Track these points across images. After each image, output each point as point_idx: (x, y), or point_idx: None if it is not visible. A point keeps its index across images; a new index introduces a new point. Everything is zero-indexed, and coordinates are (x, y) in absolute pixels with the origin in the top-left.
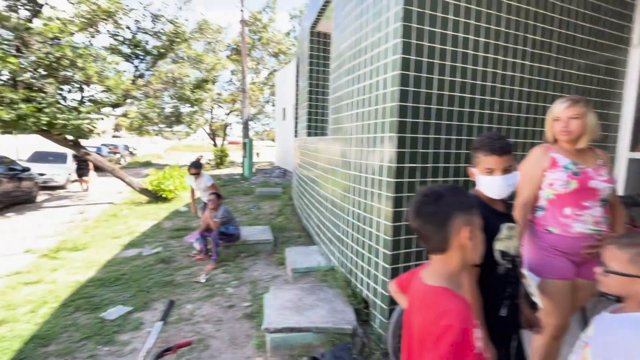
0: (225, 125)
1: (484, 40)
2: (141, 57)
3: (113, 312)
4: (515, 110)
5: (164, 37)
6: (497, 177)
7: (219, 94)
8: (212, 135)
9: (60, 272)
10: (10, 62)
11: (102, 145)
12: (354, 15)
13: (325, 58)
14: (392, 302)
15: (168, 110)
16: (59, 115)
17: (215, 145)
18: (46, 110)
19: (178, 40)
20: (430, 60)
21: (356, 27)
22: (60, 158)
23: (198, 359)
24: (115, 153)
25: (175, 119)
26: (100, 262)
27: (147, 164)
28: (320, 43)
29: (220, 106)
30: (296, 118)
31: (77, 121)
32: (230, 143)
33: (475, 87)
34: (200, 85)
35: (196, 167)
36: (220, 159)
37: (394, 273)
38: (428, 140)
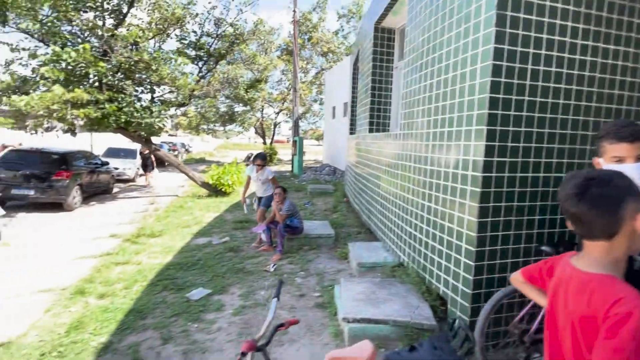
0: (275, 125)
1: (582, 26)
2: (205, 59)
3: (196, 293)
4: (615, 102)
5: (225, 40)
6: (627, 165)
7: (269, 94)
8: (262, 133)
9: (143, 255)
10: (99, 66)
11: (162, 142)
12: (434, 7)
13: (389, 54)
14: (475, 300)
15: (223, 109)
16: (135, 114)
17: (264, 143)
18: (125, 109)
19: (237, 41)
20: (524, 50)
21: (436, 19)
22: (130, 154)
23: (279, 342)
24: (173, 150)
25: (229, 117)
26: (175, 248)
27: (201, 161)
28: (384, 39)
29: (270, 105)
30: (352, 116)
31: (150, 119)
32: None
33: (571, 77)
34: (253, 85)
35: (262, 159)
36: (270, 157)
37: (479, 271)
38: (519, 134)
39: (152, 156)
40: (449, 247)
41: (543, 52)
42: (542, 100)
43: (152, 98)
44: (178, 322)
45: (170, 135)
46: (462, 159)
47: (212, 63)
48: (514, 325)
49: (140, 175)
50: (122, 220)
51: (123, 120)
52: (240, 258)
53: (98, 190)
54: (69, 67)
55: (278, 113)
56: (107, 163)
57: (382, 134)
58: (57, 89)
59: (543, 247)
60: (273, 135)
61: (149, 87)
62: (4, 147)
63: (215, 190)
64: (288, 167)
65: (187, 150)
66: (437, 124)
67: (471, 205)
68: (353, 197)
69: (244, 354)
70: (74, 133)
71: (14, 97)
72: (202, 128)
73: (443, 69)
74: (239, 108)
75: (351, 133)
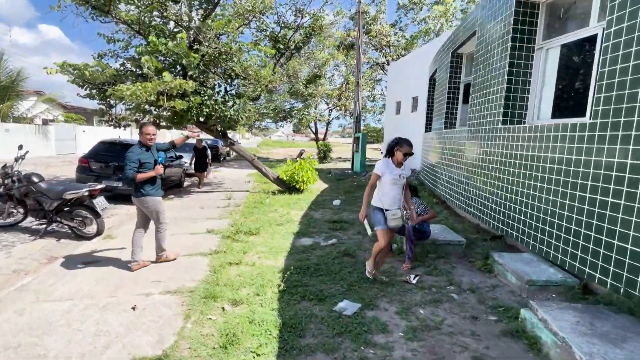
0: (328, 122)
1: None
2: (283, 51)
3: (347, 308)
4: None
5: (303, 31)
6: None
7: (329, 91)
8: (315, 130)
9: (252, 255)
10: (192, 57)
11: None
12: None
13: (530, 32)
14: None
15: (285, 105)
16: (216, 107)
17: (316, 140)
18: (207, 102)
19: (314, 33)
20: None
21: None
22: (191, 148)
23: None
24: (215, 149)
25: (287, 113)
26: (282, 248)
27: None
28: (526, 15)
29: (325, 102)
30: (429, 112)
31: (229, 113)
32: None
33: None
34: (312, 80)
35: (410, 146)
36: (324, 154)
37: None
38: None
39: (208, 151)
40: None
41: None
42: None
43: (226, 91)
44: (345, 344)
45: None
46: None
47: (288, 56)
48: None
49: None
50: (210, 215)
51: (205, 113)
52: (362, 264)
53: (172, 184)
54: (162, 58)
55: (332, 109)
56: (182, 156)
57: (553, 123)
58: (167, 76)
59: None
60: (326, 132)
61: (228, 79)
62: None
63: (289, 187)
64: (343, 165)
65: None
66: None
67: None
68: (457, 200)
69: None
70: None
71: (120, 85)
72: (257, 124)
73: None
74: (297, 104)
75: (427, 130)
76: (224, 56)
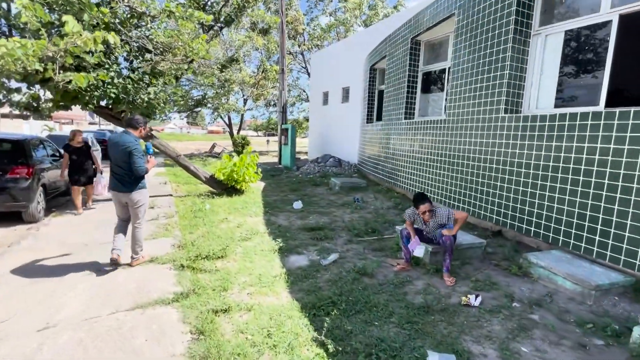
0: (243, 113)
1: None
2: (212, 24)
3: None
4: None
5: (233, 3)
6: None
7: (246, 78)
8: (229, 122)
9: (237, 292)
10: (102, 11)
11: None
12: None
13: (528, 16)
14: None
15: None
16: (128, 87)
17: (231, 133)
18: (116, 81)
19: (246, 5)
20: None
21: None
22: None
23: None
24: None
25: (199, 101)
26: (273, 275)
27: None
28: None
29: (241, 89)
30: (370, 103)
31: (144, 95)
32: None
33: None
34: (229, 63)
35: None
36: (242, 148)
37: None
38: None
39: (94, 149)
40: None
41: None
42: None
43: (132, 67)
44: None
45: (90, 123)
46: None
47: (216, 31)
48: None
49: None
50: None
51: (112, 94)
52: (395, 286)
53: (56, 192)
54: (55, 9)
55: (246, 99)
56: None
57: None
58: (70, 24)
59: None
60: (240, 124)
61: (143, 51)
62: None
63: (226, 188)
64: (266, 160)
65: (151, 138)
66: None
67: None
68: (435, 195)
69: None
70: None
71: None
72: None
73: None
74: (210, 91)
75: (368, 121)
76: (142, 19)
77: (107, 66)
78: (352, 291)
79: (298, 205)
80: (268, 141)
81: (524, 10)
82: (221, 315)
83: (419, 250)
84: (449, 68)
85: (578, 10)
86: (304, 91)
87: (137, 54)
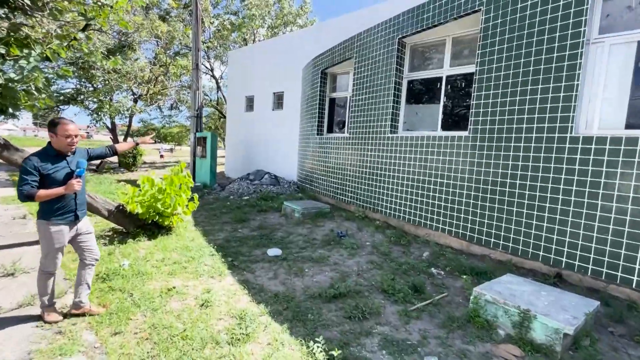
0: (131, 115)
1: None
2: None
3: None
4: None
5: None
6: None
7: (140, 73)
8: (113, 126)
9: None
10: None
11: None
12: None
13: (578, 24)
14: None
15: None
16: None
17: (114, 139)
18: None
19: None
20: None
21: None
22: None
23: None
24: None
25: (72, 97)
26: None
27: None
28: None
29: (130, 88)
30: (320, 113)
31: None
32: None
33: None
34: (115, 51)
35: None
36: (134, 159)
37: None
38: None
39: None
40: None
41: None
42: None
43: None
44: None
45: None
46: None
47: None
48: None
49: None
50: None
51: None
52: None
53: None
54: None
55: (137, 99)
56: None
57: None
58: None
59: None
60: (129, 128)
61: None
62: None
63: (143, 225)
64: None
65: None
66: None
67: None
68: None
69: None
70: None
71: None
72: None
73: None
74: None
75: (319, 133)
76: None
77: None
78: None
79: (275, 252)
80: (162, 156)
81: (579, 17)
82: None
83: None
84: (476, 72)
85: None
86: (207, 95)
87: None
